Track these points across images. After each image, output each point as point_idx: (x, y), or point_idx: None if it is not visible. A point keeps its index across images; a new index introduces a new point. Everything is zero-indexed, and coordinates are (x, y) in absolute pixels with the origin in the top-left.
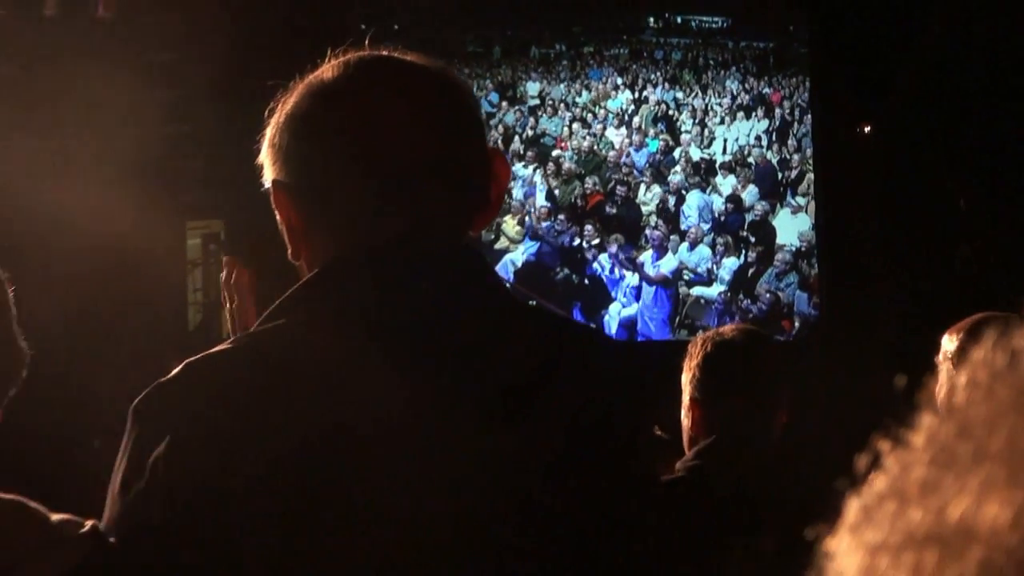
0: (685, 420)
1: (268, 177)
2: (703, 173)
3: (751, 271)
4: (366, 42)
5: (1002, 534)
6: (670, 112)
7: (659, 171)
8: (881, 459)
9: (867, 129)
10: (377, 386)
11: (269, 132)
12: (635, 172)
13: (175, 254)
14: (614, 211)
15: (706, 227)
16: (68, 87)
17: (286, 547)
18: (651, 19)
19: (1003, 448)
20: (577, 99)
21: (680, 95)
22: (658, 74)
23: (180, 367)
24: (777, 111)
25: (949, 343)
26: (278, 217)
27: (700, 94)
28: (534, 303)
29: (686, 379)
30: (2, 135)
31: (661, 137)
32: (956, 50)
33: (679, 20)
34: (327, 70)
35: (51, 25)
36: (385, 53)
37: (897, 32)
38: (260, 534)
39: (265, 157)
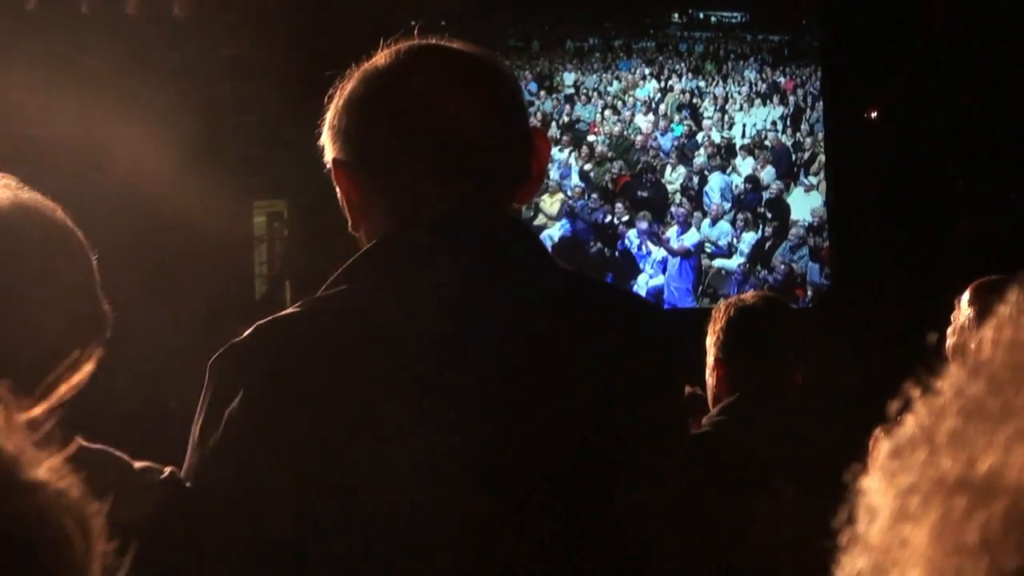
0: (710, 379)
1: (328, 156)
2: (724, 155)
3: (767, 244)
4: (415, 33)
5: None
6: (693, 100)
7: (683, 153)
8: (912, 405)
9: (874, 115)
10: (425, 346)
11: (329, 116)
12: (661, 155)
13: (243, 231)
14: (643, 191)
15: (727, 205)
16: (147, 79)
17: (346, 486)
18: (675, 15)
19: None
20: (608, 88)
21: (702, 84)
22: (682, 65)
23: (252, 328)
24: (791, 98)
25: (966, 301)
26: (339, 192)
27: (721, 83)
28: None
29: (711, 341)
30: (88, 123)
31: (685, 123)
32: (955, 43)
33: (701, 16)
34: (380, 58)
35: (132, 23)
36: (433, 41)
37: (901, 25)
38: (323, 478)
39: (326, 138)
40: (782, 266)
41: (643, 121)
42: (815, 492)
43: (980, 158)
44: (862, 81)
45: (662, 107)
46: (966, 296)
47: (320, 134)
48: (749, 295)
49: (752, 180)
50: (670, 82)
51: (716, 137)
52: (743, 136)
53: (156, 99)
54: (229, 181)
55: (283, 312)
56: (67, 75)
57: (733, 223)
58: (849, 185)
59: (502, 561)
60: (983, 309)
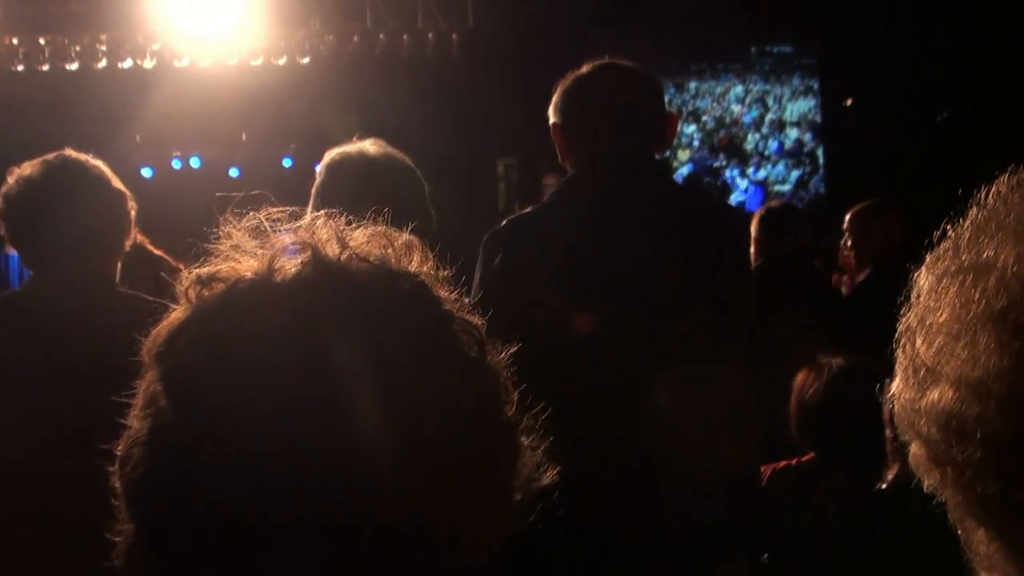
0: (752, 249)
1: (551, 122)
2: (780, 127)
3: (806, 176)
4: (605, 57)
5: (1008, 266)
6: (763, 96)
7: (757, 126)
8: (947, 232)
9: (849, 102)
10: (596, 229)
11: (553, 99)
12: (744, 127)
13: (490, 173)
14: (734, 147)
15: (781, 153)
16: (438, 91)
17: (556, 299)
18: (752, 49)
19: (1011, 222)
20: (715, 90)
21: (768, 87)
22: (757, 76)
23: (505, 220)
24: (820, 96)
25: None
26: (556, 145)
27: (779, 86)
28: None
29: (753, 228)
30: (401, 116)
31: (759, 108)
32: (894, 67)
33: (766, 49)
34: (583, 68)
35: (432, 58)
36: (613, 61)
37: (862, 52)
38: (544, 302)
39: (550, 112)
40: (813, 189)
41: (735, 108)
42: (814, 315)
43: (912, 124)
44: (845, 84)
45: (746, 100)
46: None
47: (544, 112)
48: (775, 202)
49: (798, 140)
50: (750, 86)
51: (775, 116)
52: (792, 116)
53: (444, 101)
54: (482, 146)
55: (520, 212)
56: (391, 89)
57: (786, 166)
58: (837, 141)
59: (654, 351)
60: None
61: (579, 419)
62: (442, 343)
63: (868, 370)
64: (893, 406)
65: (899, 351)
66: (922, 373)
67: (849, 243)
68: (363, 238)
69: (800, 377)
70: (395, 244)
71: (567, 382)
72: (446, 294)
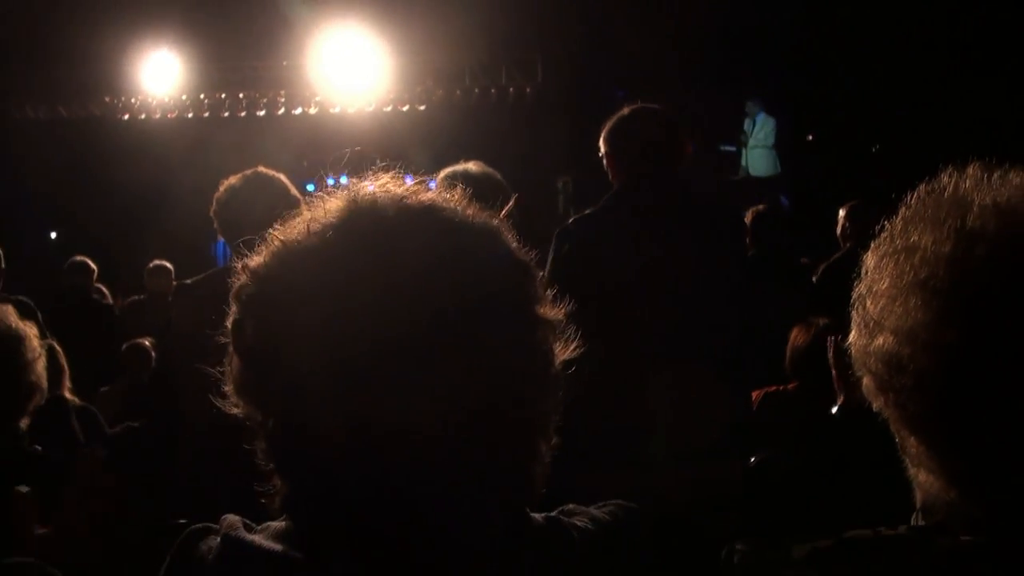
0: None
1: (602, 151)
2: (765, 146)
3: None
4: (637, 101)
5: (928, 247)
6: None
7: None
8: (885, 225)
9: (809, 138)
10: (635, 229)
11: (602, 133)
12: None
13: (551, 189)
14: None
15: (770, 171)
16: (513, 132)
17: (601, 267)
18: (747, 102)
19: (929, 216)
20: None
21: (760, 120)
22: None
23: (571, 219)
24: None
25: (843, 217)
26: (607, 167)
27: (769, 122)
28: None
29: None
30: (490, 144)
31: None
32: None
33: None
34: (623, 111)
35: (511, 103)
36: (645, 105)
37: (820, 102)
38: (594, 278)
39: (601, 142)
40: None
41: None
42: (795, 292)
43: (854, 154)
44: (803, 122)
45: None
46: (842, 213)
47: (596, 143)
48: (761, 206)
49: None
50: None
51: (762, 137)
52: (772, 139)
53: (520, 134)
54: (547, 168)
55: (581, 213)
56: (483, 127)
57: (773, 180)
58: (799, 167)
59: (675, 314)
60: (851, 216)
61: (611, 364)
62: (510, 265)
63: (843, 328)
64: (845, 352)
65: (854, 312)
66: (871, 326)
67: (848, 227)
68: (438, 191)
69: (795, 330)
70: (459, 193)
71: (612, 334)
72: (500, 222)
